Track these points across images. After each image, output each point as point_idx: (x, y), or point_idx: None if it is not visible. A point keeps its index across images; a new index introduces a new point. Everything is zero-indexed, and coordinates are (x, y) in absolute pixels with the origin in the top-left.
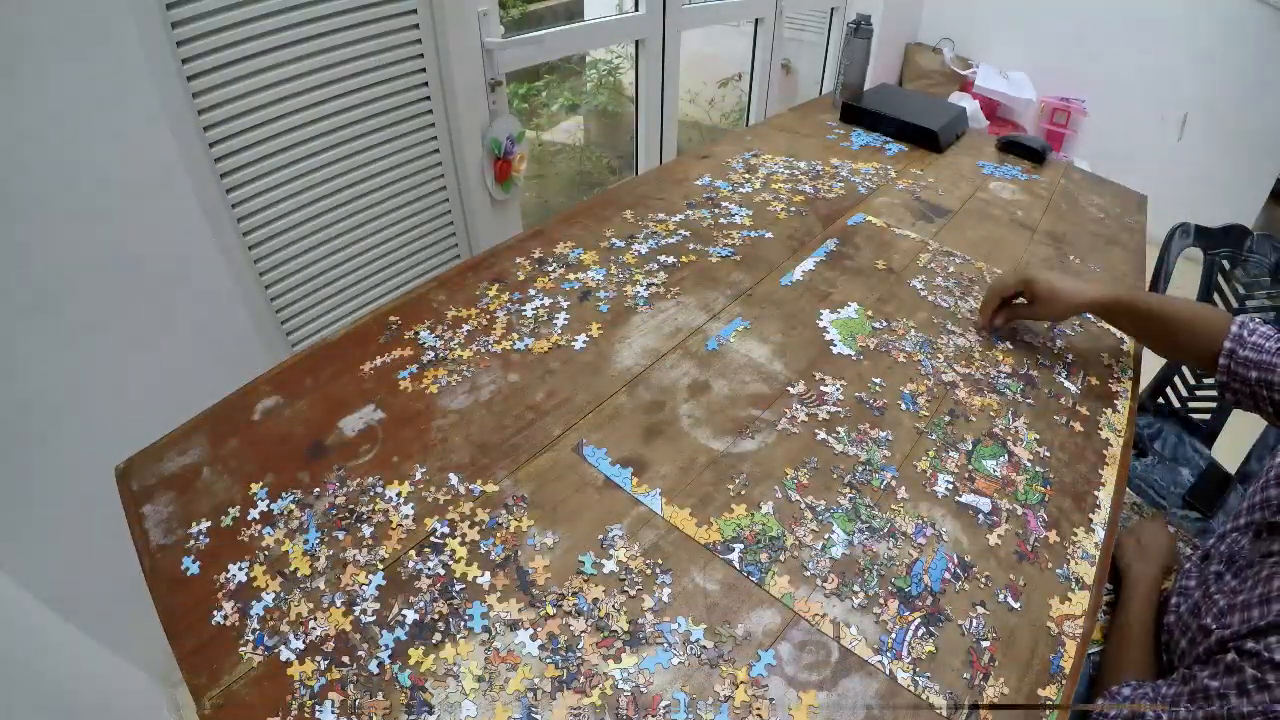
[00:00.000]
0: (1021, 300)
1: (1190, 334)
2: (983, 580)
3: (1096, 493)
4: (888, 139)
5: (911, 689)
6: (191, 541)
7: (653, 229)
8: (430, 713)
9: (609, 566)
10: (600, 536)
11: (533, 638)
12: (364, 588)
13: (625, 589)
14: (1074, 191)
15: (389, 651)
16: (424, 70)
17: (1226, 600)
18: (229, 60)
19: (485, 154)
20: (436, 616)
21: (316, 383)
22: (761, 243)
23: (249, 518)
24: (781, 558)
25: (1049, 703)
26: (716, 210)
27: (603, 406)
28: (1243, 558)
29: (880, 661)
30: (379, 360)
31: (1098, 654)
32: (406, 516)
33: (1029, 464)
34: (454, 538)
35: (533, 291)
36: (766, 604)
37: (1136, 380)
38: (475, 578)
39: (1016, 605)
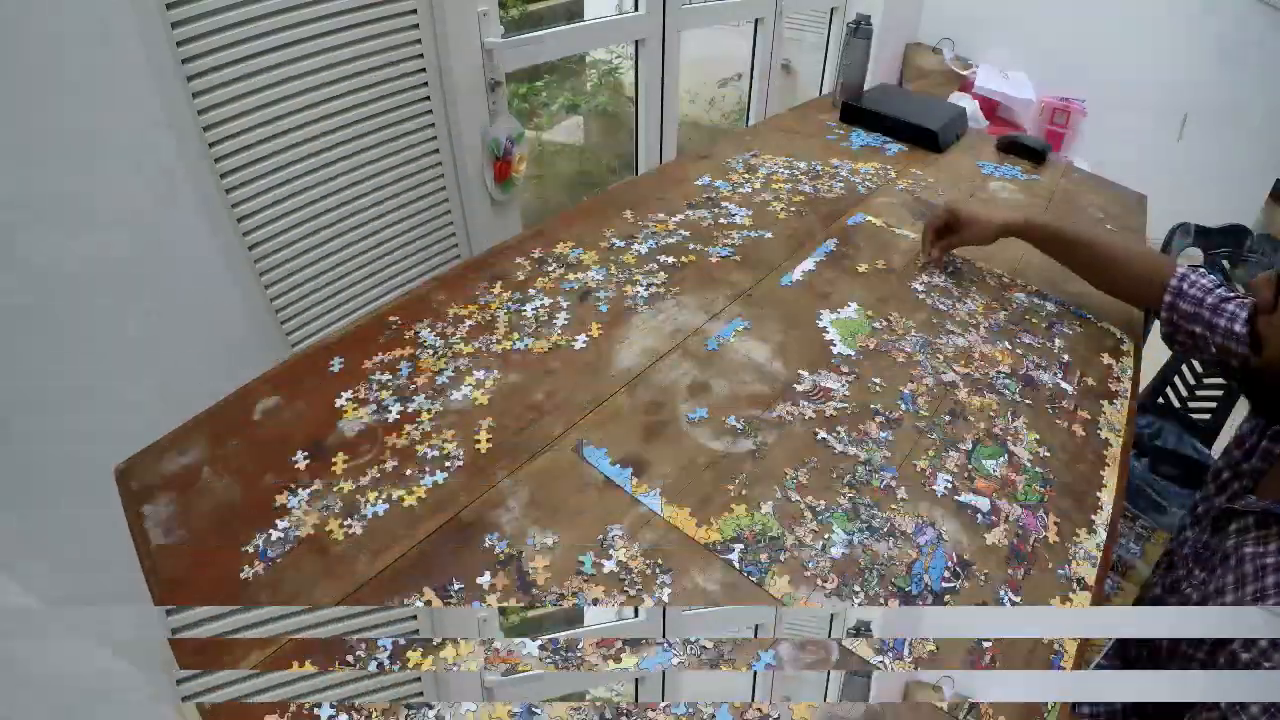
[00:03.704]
0: (953, 233)
1: (1127, 276)
2: (982, 579)
3: (1098, 493)
4: (888, 139)
5: None
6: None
7: (653, 229)
8: (430, 712)
9: (609, 566)
10: (600, 536)
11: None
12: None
13: (625, 589)
14: (1074, 191)
15: (388, 652)
16: (424, 71)
17: (1199, 594)
18: (229, 60)
19: (485, 154)
20: None
21: (316, 383)
22: (761, 243)
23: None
24: (781, 558)
25: None
26: (716, 210)
27: (603, 406)
28: (1209, 550)
29: (881, 662)
30: (379, 359)
31: None
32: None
33: (1029, 464)
34: None
35: (533, 291)
36: (766, 604)
37: (1136, 380)
38: (475, 578)
39: (1016, 605)
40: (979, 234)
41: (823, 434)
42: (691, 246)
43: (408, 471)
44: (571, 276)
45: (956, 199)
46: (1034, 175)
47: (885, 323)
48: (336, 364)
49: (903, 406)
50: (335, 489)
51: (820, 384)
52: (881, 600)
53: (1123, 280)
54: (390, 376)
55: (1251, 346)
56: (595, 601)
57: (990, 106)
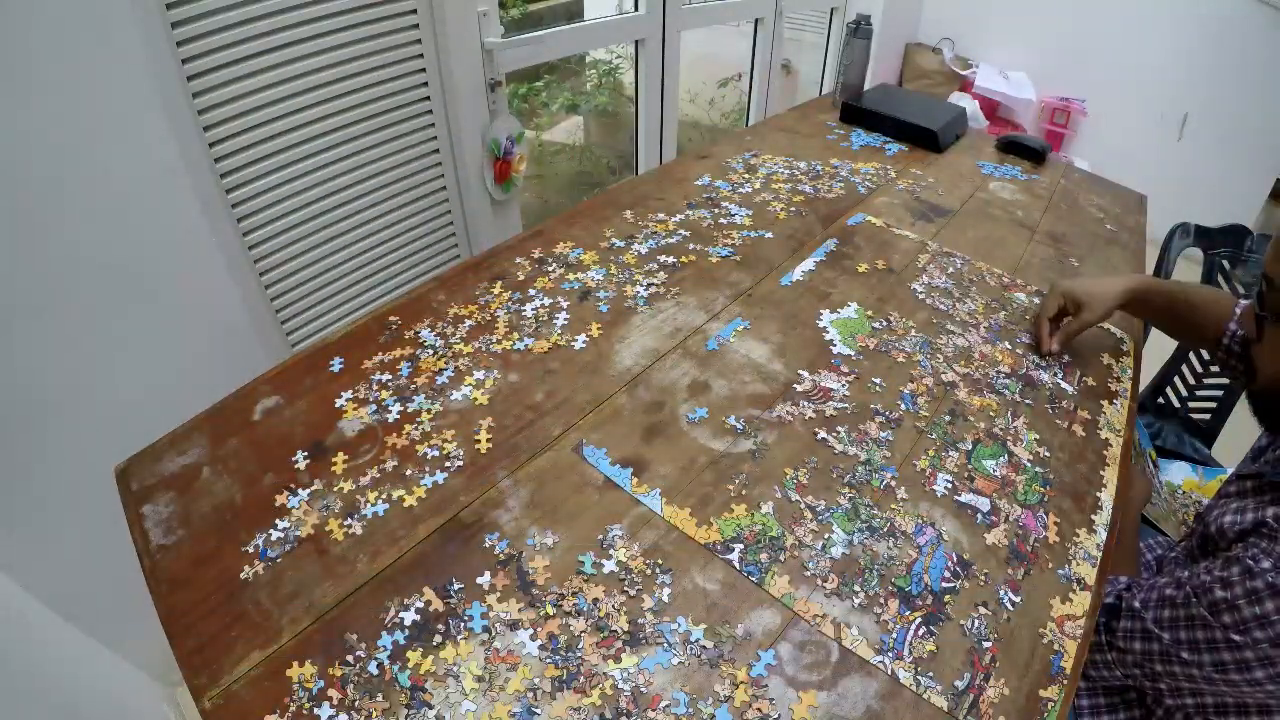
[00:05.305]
0: (1068, 317)
1: (1201, 317)
2: (982, 579)
3: (1098, 494)
4: (888, 139)
5: (913, 689)
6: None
7: (653, 229)
8: (430, 712)
9: (609, 566)
10: (600, 536)
11: (533, 638)
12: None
13: (625, 589)
14: (1074, 191)
15: (388, 652)
16: (424, 70)
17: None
18: (229, 60)
19: (485, 154)
20: (435, 617)
21: (316, 383)
22: (761, 243)
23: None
24: (781, 558)
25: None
26: (716, 210)
27: (603, 406)
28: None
29: (881, 661)
30: (379, 359)
31: None
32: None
33: (1029, 464)
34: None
35: (533, 291)
36: (766, 604)
37: (1136, 380)
38: (475, 578)
39: (1016, 605)
40: (1099, 311)
41: (823, 434)
42: (691, 246)
43: (408, 471)
44: (571, 276)
45: (1059, 279)
46: (1034, 175)
47: (885, 323)
48: (336, 364)
49: (903, 406)
50: (335, 489)
51: (820, 384)
52: (881, 600)
53: (1197, 325)
54: (390, 376)
55: (1245, 374)
56: (595, 601)
57: (990, 106)
